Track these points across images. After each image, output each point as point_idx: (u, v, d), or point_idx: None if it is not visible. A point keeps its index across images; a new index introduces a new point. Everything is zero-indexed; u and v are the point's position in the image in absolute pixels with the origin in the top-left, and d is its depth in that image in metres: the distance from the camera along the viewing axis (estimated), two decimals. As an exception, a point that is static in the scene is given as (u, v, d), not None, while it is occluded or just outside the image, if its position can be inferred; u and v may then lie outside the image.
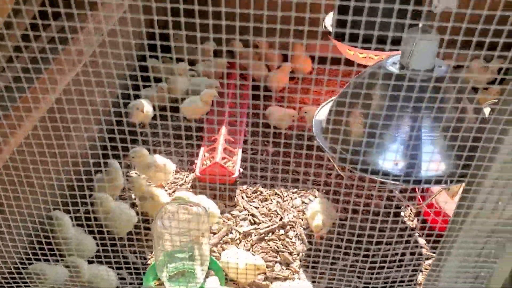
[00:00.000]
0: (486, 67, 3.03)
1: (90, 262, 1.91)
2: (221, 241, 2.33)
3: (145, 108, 2.67)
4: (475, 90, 3.02)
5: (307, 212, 2.26)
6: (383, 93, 1.48)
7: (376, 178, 1.47)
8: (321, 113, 2.06)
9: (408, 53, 1.43)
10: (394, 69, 1.57)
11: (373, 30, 0.79)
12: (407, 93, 0.90)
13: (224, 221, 2.40)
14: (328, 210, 2.19)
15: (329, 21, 2.55)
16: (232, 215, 2.46)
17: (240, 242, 2.33)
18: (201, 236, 1.92)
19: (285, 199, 2.56)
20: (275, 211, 2.49)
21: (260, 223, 2.42)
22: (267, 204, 2.53)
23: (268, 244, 2.33)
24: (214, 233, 2.34)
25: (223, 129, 2.70)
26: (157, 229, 1.88)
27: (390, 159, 1.40)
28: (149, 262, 2.15)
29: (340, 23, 2.32)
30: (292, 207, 2.50)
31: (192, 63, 3.23)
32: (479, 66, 3.05)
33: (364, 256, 2.08)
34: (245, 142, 2.79)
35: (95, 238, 1.99)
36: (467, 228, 0.87)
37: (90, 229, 1.89)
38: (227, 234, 2.36)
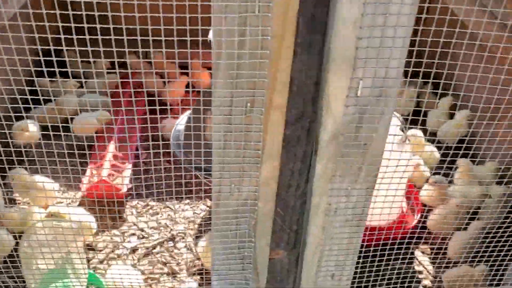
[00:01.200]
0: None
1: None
2: (107, 258, 2.36)
3: (30, 128, 2.69)
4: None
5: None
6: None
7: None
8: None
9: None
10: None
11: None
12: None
13: (111, 238, 2.43)
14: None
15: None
16: (120, 231, 2.50)
17: (127, 257, 2.37)
18: (75, 252, 1.95)
19: (176, 211, 2.63)
20: (165, 224, 2.55)
21: (148, 237, 2.47)
22: (157, 218, 2.59)
23: (156, 257, 2.38)
24: (100, 250, 2.37)
25: (111, 146, 2.75)
26: (23, 250, 1.90)
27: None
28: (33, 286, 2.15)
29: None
30: (183, 218, 2.57)
31: (86, 78, 3.27)
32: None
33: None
34: (138, 157, 2.85)
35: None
36: (218, 211, 0.98)
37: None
38: (113, 250, 2.39)
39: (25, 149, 2.78)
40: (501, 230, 2.15)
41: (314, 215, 1.01)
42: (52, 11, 0.79)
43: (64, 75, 2.67)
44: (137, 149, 2.86)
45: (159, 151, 2.86)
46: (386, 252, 1.93)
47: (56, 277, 1.96)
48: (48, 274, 1.94)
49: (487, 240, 2.29)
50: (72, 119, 2.84)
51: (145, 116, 2.49)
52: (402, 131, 2.27)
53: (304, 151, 0.97)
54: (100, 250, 2.34)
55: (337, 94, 0.85)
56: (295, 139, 0.96)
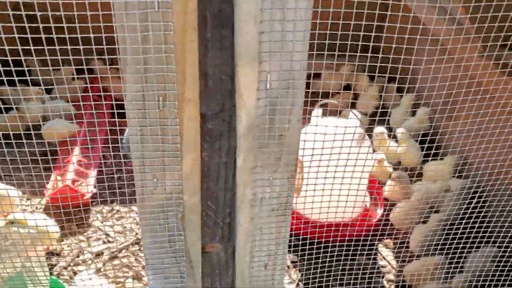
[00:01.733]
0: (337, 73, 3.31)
1: None
2: (71, 264, 2.37)
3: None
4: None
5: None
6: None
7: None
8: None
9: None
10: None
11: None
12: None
13: (76, 243, 2.44)
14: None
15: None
16: (85, 236, 2.51)
17: (91, 262, 2.38)
18: (35, 259, 1.95)
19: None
20: (131, 227, 2.56)
21: (113, 241, 2.48)
22: (122, 222, 2.61)
23: (121, 261, 2.39)
24: (65, 256, 2.37)
25: (76, 151, 2.76)
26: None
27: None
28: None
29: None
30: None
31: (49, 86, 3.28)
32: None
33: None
34: (103, 161, 2.87)
35: None
36: (144, 205, 1.00)
37: None
38: (78, 256, 2.40)
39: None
40: (457, 222, 2.21)
41: (241, 206, 1.04)
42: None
43: (26, 82, 2.69)
44: (102, 154, 2.87)
45: (118, 154, 2.88)
46: (351, 248, 1.98)
47: (15, 285, 1.96)
48: (9, 282, 1.94)
49: (445, 232, 2.36)
50: (35, 126, 2.85)
51: (113, 120, 2.51)
52: (362, 128, 2.33)
53: (228, 145, 1.01)
54: (65, 256, 2.35)
55: (248, 87, 0.89)
56: (218, 133, 0.99)
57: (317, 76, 3.44)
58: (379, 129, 2.80)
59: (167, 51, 0.82)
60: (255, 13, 0.81)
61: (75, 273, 2.30)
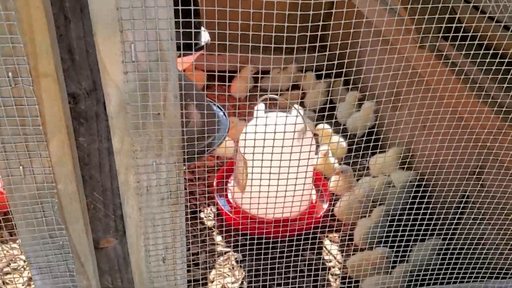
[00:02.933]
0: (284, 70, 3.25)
1: None
2: (1, 273, 2.21)
3: None
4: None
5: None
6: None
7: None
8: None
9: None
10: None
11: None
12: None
13: (7, 251, 2.28)
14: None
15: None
16: (17, 243, 2.35)
17: (24, 270, 2.23)
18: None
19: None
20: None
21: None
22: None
23: (56, 267, 2.25)
24: (-6, 265, 2.21)
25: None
26: None
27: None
28: None
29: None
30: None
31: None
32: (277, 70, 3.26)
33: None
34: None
35: None
36: (13, 197, 0.90)
37: None
38: (9, 264, 2.24)
39: None
40: (398, 213, 2.16)
41: (126, 195, 0.94)
42: None
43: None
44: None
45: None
46: (295, 244, 1.90)
47: None
48: None
49: (388, 224, 2.31)
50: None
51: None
52: (304, 122, 2.26)
53: (107, 127, 0.91)
54: (-5, 264, 2.19)
55: (111, 60, 0.79)
56: (93, 114, 0.89)
57: (267, 73, 3.39)
58: (321, 125, 2.75)
59: (8, 19, 0.72)
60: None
61: (4, 283, 2.15)
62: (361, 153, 2.81)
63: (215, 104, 2.20)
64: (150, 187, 0.93)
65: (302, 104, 3.17)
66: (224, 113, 2.11)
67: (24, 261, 2.22)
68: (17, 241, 2.33)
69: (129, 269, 1.10)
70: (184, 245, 1.03)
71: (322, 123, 2.75)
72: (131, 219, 0.97)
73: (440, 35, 1.44)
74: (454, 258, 1.60)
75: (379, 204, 2.38)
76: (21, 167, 0.85)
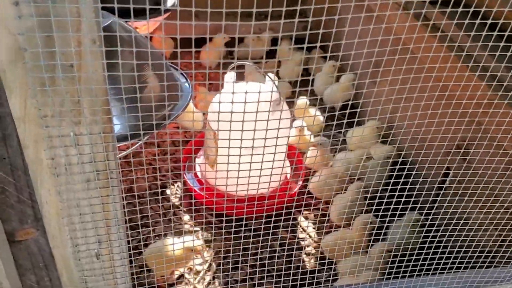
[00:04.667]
0: (259, 38, 2.98)
1: None
2: None
3: None
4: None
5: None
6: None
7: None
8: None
9: None
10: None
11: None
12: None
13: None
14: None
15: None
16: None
17: None
18: None
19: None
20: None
21: None
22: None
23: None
24: None
25: None
26: None
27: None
28: None
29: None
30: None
31: None
32: (252, 38, 2.98)
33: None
34: None
35: None
36: None
37: None
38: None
39: None
40: (380, 189, 1.97)
41: (38, 175, 0.70)
42: None
43: None
44: None
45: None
46: (268, 222, 1.69)
47: None
48: None
49: (366, 201, 2.13)
50: None
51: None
52: (278, 92, 2.03)
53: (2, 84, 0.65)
54: None
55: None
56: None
57: (241, 41, 3.12)
58: (301, 100, 2.51)
59: None
60: None
61: None
62: (336, 127, 2.60)
63: (177, 70, 1.93)
64: (70, 165, 0.68)
65: (277, 74, 2.92)
66: (187, 80, 1.85)
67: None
68: None
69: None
70: (122, 238, 0.79)
71: (301, 98, 2.52)
72: (49, 206, 0.73)
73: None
74: (436, 238, 1.42)
75: (357, 179, 2.20)
76: None
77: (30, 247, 0.85)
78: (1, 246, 0.76)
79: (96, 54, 0.59)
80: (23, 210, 0.79)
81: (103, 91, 0.63)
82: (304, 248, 2.09)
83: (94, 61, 0.60)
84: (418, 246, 1.75)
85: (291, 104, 2.45)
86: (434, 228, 1.42)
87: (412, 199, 1.46)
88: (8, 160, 0.73)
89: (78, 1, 0.56)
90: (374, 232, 1.90)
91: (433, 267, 1.35)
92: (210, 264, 1.96)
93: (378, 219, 1.89)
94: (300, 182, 2.23)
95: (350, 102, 1.85)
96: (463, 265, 1.29)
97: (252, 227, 2.01)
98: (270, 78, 2.08)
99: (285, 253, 1.94)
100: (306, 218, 2.21)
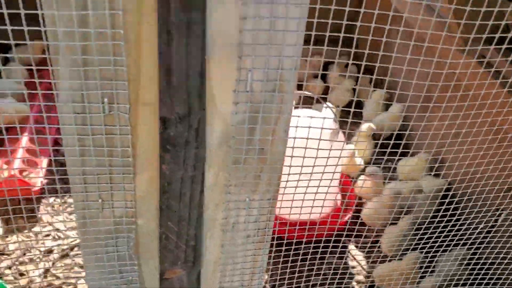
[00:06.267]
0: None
1: None
2: (17, 263, 2.10)
3: None
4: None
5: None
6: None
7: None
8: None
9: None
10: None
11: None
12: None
13: (22, 240, 2.16)
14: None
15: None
16: (32, 232, 2.23)
17: (40, 261, 2.12)
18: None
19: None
20: (85, 222, 2.30)
21: (65, 238, 2.22)
22: (75, 217, 2.34)
23: (73, 260, 2.14)
24: (9, 254, 2.10)
25: (24, 138, 2.45)
26: None
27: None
28: None
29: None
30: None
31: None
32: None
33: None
34: (57, 150, 2.57)
35: None
36: (87, 231, 0.78)
37: None
38: (24, 254, 2.12)
39: None
40: (427, 221, 2.08)
41: (209, 230, 0.83)
42: None
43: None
44: (55, 141, 2.57)
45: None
46: (320, 247, 1.81)
47: None
48: None
49: (419, 233, 2.24)
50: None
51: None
52: (336, 122, 2.15)
53: (196, 155, 0.79)
54: (9, 254, 2.07)
55: (223, 88, 0.67)
56: (183, 141, 0.77)
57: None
58: (365, 125, 2.61)
59: (115, 38, 0.59)
60: (236, -8, 0.59)
61: (21, 274, 2.04)
62: (382, 155, 2.72)
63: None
64: (237, 223, 0.82)
65: (326, 100, 3.04)
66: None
67: (40, 251, 2.11)
68: (32, 229, 2.22)
69: (192, 301, 1.00)
70: (261, 283, 0.93)
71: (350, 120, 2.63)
72: (210, 254, 0.87)
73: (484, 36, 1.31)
74: (487, 276, 1.52)
75: (407, 211, 2.31)
76: (100, 200, 0.73)
77: (172, 284, 0.98)
78: (154, 282, 0.90)
79: (285, 141, 0.73)
80: (178, 254, 0.92)
81: (280, 169, 0.76)
82: (354, 276, 2.21)
83: (281, 147, 0.73)
84: (468, 282, 1.86)
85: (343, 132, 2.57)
86: (485, 266, 1.52)
87: (460, 233, 1.56)
88: (178, 213, 0.86)
89: (283, 102, 0.69)
90: (424, 265, 2.01)
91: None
92: (264, 287, 2.09)
93: (424, 252, 2.00)
94: (351, 210, 2.35)
95: (395, 132, 1.94)
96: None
97: (301, 251, 2.13)
98: (330, 107, 2.20)
99: (336, 280, 2.06)
100: (356, 246, 2.33)
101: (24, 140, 2.46)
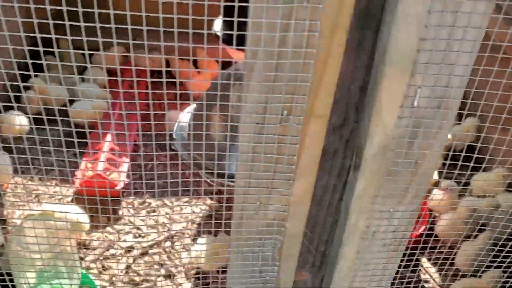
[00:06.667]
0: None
1: None
2: (101, 257, 2.22)
3: (17, 121, 2.51)
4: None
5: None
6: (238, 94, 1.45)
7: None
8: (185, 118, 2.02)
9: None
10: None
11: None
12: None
13: (105, 236, 2.29)
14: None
15: (217, 25, 2.51)
16: (114, 229, 2.35)
17: (121, 257, 2.23)
18: (66, 251, 1.81)
19: (175, 209, 2.49)
20: (163, 222, 2.40)
21: (145, 236, 2.33)
22: (154, 216, 2.45)
23: (152, 258, 2.24)
24: (94, 249, 2.22)
25: (108, 137, 2.58)
26: (13, 249, 1.75)
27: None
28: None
29: (228, 27, 2.29)
30: (181, 217, 2.43)
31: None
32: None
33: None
34: (136, 150, 2.69)
35: None
36: (240, 231, 0.84)
37: None
38: (107, 249, 2.25)
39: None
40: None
41: (349, 237, 0.87)
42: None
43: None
44: (136, 141, 2.70)
45: (160, 143, 2.72)
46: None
47: (48, 277, 1.83)
48: (41, 274, 1.81)
49: (496, 249, 2.19)
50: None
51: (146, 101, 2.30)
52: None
53: (341, 165, 0.84)
54: (94, 249, 2.20)
55: (390, 102, 0.71)
56: (332, 151, 0.82)
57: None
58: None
59: (306, 57, 0.64)
60: (419, 15, 0.64)
61: (104, 268, 2.16)
62: (453, 167, 2.67)
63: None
64: (377, 233, 0.86)
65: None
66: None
67: (122, 248, 2.23)
68: (114, 227, 2.34)
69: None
70: (386, 290, 0.96)
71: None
72: (345, 261, 0.91)
73: None
74: None
75: (483, 227, 2.27)
76: (258, 203, 0.79)
77: (297, 286, 1.03)
78: (289, 283, 0.95)
79: (437, 156, 0.77)
80: (307, 258, 0.97)
81: (429, 182, 0.80)
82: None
83: (434, 162, 0.77)
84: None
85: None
86: None
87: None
88: (315, 219, 0.91)
89: (444, 118, 0.73)
90: (507, 285, 1.97)
91: None
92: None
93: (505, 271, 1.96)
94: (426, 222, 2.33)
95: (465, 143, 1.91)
96: None
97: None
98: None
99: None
100: (429, 259, 2.31)
101: (107, 143, 2.59)
